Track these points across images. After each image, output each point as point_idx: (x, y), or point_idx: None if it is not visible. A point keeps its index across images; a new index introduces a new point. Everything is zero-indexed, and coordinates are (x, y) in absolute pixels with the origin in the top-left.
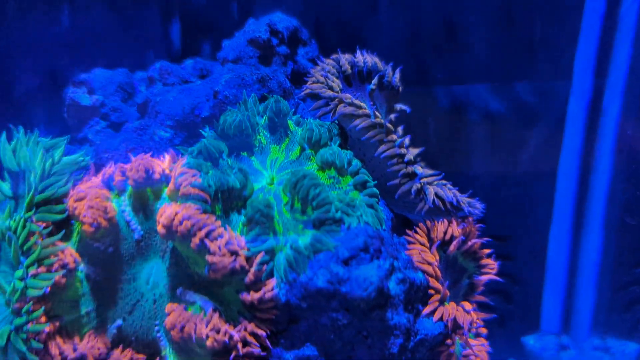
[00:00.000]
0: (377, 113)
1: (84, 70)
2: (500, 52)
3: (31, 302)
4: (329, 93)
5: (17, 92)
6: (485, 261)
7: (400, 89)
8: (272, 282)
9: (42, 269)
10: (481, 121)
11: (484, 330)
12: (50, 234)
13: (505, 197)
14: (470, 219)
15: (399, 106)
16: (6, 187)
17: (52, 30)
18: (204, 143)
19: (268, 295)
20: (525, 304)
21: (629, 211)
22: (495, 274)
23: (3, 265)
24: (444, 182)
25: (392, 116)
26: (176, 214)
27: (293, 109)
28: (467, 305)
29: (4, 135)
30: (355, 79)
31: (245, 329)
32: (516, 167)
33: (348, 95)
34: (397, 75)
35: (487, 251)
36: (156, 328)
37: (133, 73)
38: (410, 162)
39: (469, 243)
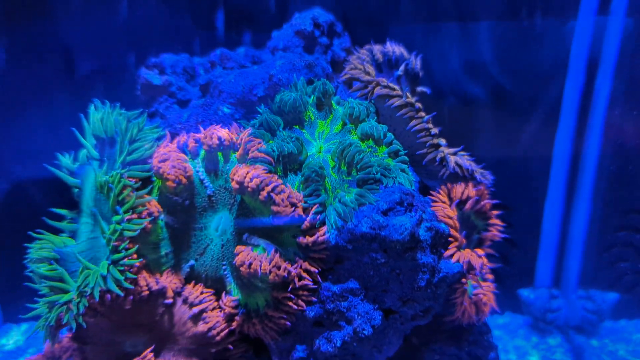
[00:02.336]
0: (408, 94)
1: (144, 56)
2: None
3: (127, 241)
4: (367, 77)
5: (92, 75)
6: (493, 220)
7: (421, 74)
8: (323, 229)
9: (134, 215)
10: (488, 107)
11: (490, 277)
12: (137, 189)
13: (507, 173)
14: (483, 185)
15: (420, 89)
16: (93, 150)
17: (120, 22)
18: (265, 117)
19: (321, 238)
20: (521, 264)
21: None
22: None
23: (98, 215)
24: (462, 153)
25: (415, 96)
26: (247, 173)
27: (334, 92)
28: (480, 251)
29: (92, 106)
30: (385, 66)
31: (301, 267)
32: (517, 148)
33: (384, 79)
34: (419, 62)
35: (495, 212)
36: (223, 267)
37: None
38: (435, 136)
39: (481, 203)
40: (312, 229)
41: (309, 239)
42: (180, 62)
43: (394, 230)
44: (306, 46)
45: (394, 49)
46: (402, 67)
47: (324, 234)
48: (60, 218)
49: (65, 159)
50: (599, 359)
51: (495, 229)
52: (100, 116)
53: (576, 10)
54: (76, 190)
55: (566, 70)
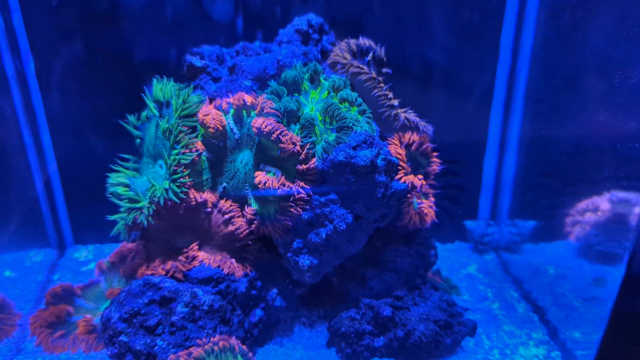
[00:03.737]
0: (373, 72)
1: (185, 49)
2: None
3: (182, 167)
4: (344, 61)
5: (146, 62)
6: (433, 159)
7: (385, 60)
8: (314, 159)
9: (187, 150)
10: (438, 83)
11: (432, 198)
12: (188, 134)
13: (457, 136)
14: (425, 134)
15: (384, 70)
16: (154, 110)
17: (166, 24)
18: (274, 87)
19: (312, 166)
20: (468, 204)
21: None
22: (445, 169)
23: (161, 154)
24: (410, 111)
25: (381, 76)
26: (263, 122)
27: (322, 71)
28: (420, 177)
29: (154, 80)
30: (358, 54)
31: (299, 185)
32: (463, 117)
33: (356, 62)
34: (382, 51)
35: (435, 153)
36: (246, 188)
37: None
38: (391, 99)
39: (424, 146)
40: (306, 160)
41: (304, 167)
42: (214, 51)
43: (360, 159)
44: (303, 40)
45: (365, 42)
46: (370, 55)
47: (314, 162)
48: (126, 161)
49: (131, 118)
50: (519, 267)
51: (435, 165)
52: (160, 86)
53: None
54: (138, 140)
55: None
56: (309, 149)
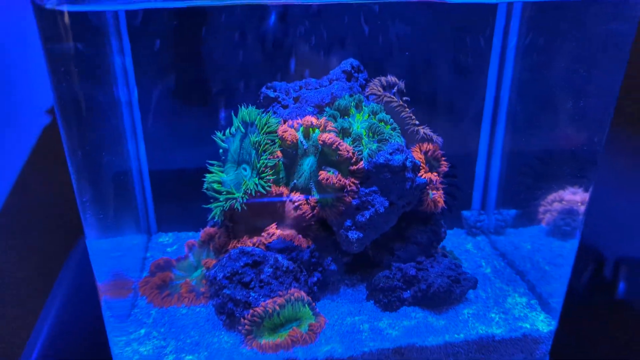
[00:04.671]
0: (400, 101)
1: (253, 83)
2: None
3: (267, 169)
4: (379, 92)
5: (224, 92)
6: (442, 162)
7: (404, 91)
8: (361, 162)
9: (271, 156)
10: (439, 104)
11: (441, 190)
12: (271, 145)
13: (455, 148)
14: (436, 144)
15: (405, 98)
16: (242, 127)
17: (239, 62)
18: (331, 112)
19: (360, 166)
20: (464, 198)
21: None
22: (447, 171)
23: (244, 160)
24: (426, 127)
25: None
26: (326, 135)
27: (363, 100)
28: (435, 174)
29: (240, 107)
30: (387, 87)
31: (350, 180)
32: (460, 134)
33: (386, 93)
34: (403, 84)
35: (444, 158)
36: (311, 184)
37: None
38: (414, 119)
39: (436, 152)
40: (356, 162)
41: (355, 167)
42: (282, 86)
43: (395, 161)
44: (347, 77)
45: (391, 78)
46: (395, 88)
47: (362, 164)
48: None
49: (219, 134)
50: (504, 245)
51: (444, 166)
52: (246, 111)
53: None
54: (221, 151)
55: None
56: (358, 155)
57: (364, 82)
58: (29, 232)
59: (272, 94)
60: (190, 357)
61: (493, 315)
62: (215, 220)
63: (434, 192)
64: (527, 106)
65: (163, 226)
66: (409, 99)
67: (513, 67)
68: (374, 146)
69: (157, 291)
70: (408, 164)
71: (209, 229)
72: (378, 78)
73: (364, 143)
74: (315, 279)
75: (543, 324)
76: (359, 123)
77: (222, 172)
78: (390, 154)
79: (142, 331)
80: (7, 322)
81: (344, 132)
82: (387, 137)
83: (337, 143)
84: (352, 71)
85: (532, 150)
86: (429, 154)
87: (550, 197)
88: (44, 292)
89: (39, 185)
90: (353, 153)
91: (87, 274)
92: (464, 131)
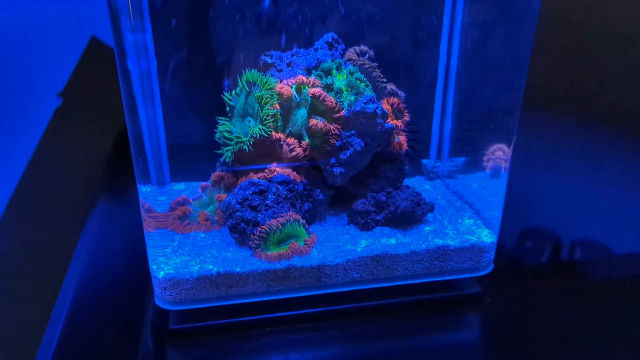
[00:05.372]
0: (372, 64)
1: (250, 53)
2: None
3: (269, 117)
4: (355, 57)
5: (226, 63)
6: (405, 113)
7: (374, 57)
8: (342, 111)
9: (272, 107)
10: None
11: (404, 134)
12: (271, 99)
13: (414, 106)
14: (400, 97)
15: (374, 64)
16: (246, 87)
17: (239, 36)
18: (317, 73)
19: (342, 114)
20: (423, 150)
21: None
22: (409, 124)
23: (249, 113)
24: (392, 84)
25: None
26: (315, 89)
27: (343, 64)
28: (400, 121)
29: (244, 71)
30: (359, 54)
31: (334, 125)
32: (418, 95)
33: (360, 58)
34: (372, 52)
35: (406, 110)
36: (302, 130)
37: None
38: (382, 77)
39: (400, 105)
40: (338, 111)
41: (337, 115)
42: (278, 54)
43: (369, 108)
44: (329, 47)
45: (363, 47)
46: (367, 55)
47: (343, 112)
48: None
49: (227, 94)
50: (456, 185)
51: (406, 116)
52: (249, 73)
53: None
54: (228, 108)
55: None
56: (340, 105)
57: (342, 51)
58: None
59: (269, 60)
60: (211, 266)
61: (447, 231)
62: (226, 162)
63: (399, 136)
64: (470, 72)
65: (175, 177)
66: (377, 64)
67: (459, 40)
68: (352, 98)
69: (179, 221)
70: (379, 111)
71: (218, 173)
72: (353, 47)
73: (344, 96)
74: (306, 207)
75: (487, 237)
76: (339, 81)
77: (230, 124)
78: (365, 103)
79: (169, 250)
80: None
81: (328, 87)
82: (361, 91)
83: (323, 95)
84: (333, 42)
85: (477, 108)
86: (394, 105)
87: (493, 147)
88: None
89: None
90: (336, 103)
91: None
92: (422, 93)
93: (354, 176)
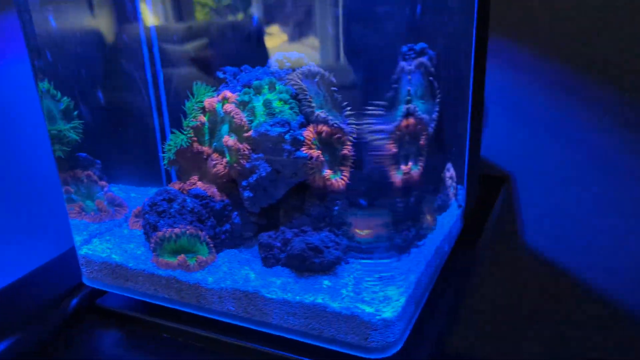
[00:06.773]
0: (305, 88)
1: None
2: None
3: (189, 128)
4: (293, 78)
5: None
6: (346, 147)
7: (333, 81)
8: (251, 131)
9: (193, 119)
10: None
11: (346, 167)
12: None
13: None
14: (338, 127)
15: (332, 88)
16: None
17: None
18: (245, 90)
19: (250, 134)
20: None
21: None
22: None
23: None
24: (325, 110)
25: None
26: (228, 106)
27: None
28: (319, 152)
29: (195, 84)
30: (308, 76)
31: (245, 145)
32: None
33: (296, 80)
34: (328, 75)
35: (349, 145)
36: (224, 147)
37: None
38: (311, 102)
39: (336, 135)
40: (247, 130)
41: (246, 135)
42: (232, 70)
43: (272, 132)
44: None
45: (313, 68)
46: (317, 77)
47: (251, 133)
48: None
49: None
50: None
51: (347, 150)
52: (194, 87)
53: None
54: None
55: None
56: (249, 124)
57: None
58: None
59: (221, 76)
60: (115, 256)
61: (343, 291)
62: (169, 168)
63: (336, 174)
64: None
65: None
66: (336, 89)
67: None
68: (263, 118)
69: (137, 219)
70: (287, 137)
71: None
72: (308, 67)
73: (256, 115)
74: (226, 228)
75: (388, 312)
76: (258, 99)
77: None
78: (271, 125)
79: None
80: None
81: (243, 104)
82: (275, 112)
83: (234, 112)
84: (285, 60)
85: None
86: (323, 134)
87: None
88: None
89: None
90: (244, 122)
91: None
92: None
93: (285, 207)
